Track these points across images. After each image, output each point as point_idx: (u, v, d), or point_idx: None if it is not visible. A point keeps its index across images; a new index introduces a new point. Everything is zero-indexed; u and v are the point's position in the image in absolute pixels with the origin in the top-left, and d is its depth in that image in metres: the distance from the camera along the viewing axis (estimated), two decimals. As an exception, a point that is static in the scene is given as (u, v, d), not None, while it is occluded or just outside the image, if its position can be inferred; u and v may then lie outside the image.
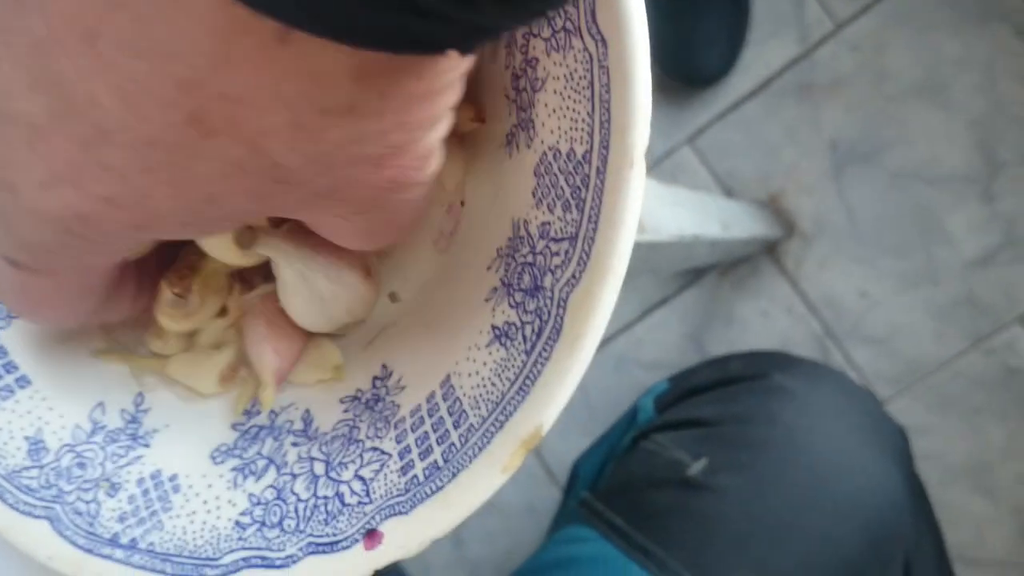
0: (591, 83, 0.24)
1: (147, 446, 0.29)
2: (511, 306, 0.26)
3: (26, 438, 0.29)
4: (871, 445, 0.55)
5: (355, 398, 0.29)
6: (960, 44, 1.00)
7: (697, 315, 1.08)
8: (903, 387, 1.03)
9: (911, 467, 0.58)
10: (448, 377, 0.27)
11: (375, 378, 0.30)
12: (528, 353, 0.24)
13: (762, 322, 1.05)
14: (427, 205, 0.23)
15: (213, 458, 0.29)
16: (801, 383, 0.56)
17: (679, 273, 1.07)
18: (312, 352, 0.31)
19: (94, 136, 0.16)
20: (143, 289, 0.28)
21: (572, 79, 0.24)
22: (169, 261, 0.30)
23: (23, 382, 0.30)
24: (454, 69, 0.18)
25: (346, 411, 0.29)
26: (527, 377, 0.24)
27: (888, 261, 1.02)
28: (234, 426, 0.30)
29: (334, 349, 0.31)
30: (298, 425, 0.29)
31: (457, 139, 0.30)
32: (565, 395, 0.24)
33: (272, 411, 0.30)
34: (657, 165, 1.06)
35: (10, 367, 0.30)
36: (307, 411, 0.30)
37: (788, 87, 1.04)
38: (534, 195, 0.26)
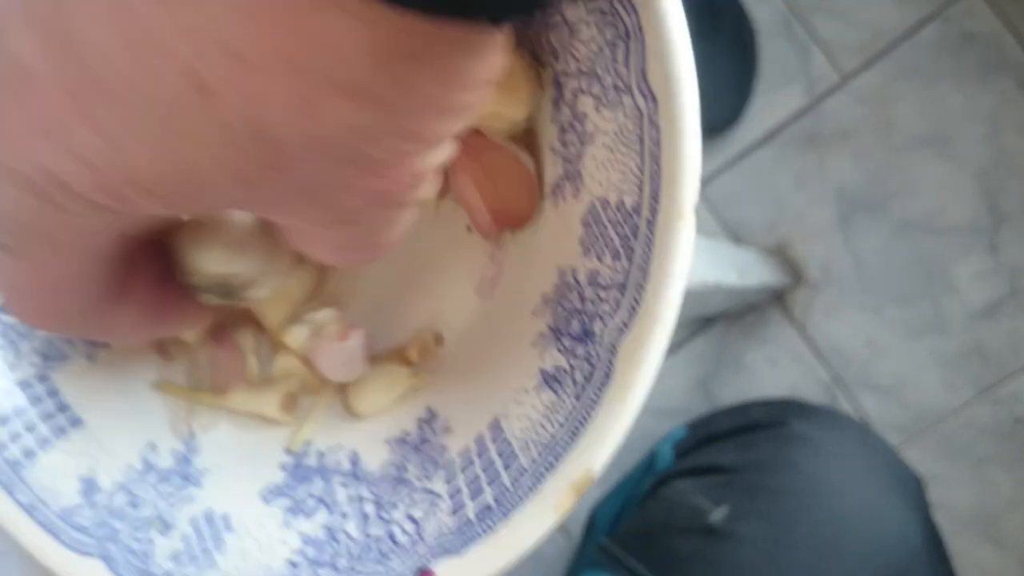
0: (641, 138, 0.25)
1: (198, 486, 0.30)
2: (559, 351, 0.27)
3: (79, 477, 0.29)
4: (889, 492, 0.55)
5: (401, 440, 0.30)
6: (964, 97, 1.02)
7: (706, 363, 1.09)
8: (911, 435, 1.03)
9: (928, 514, 0.59)
10: (496, 419, 0.28)
11: (420, 420, 0.30)
12: (578, 397, 0.25)
13: (770, 370, 1.06)
14: (400, 234, 0.22)
15: (264, 498, 0.30)
16: (820, 431, 0.57)
17: (688, 322, 1.08)
18: (381, 375, 0.32)
19: (88, 86, 0.16)
20: (157, 310, 0.25)
21: (622, 134, 0.25)
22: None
23: (75, 422, 0.30)
24: (474, 89, 0.17)
25: (393, 452, 0.30)
26: (578, 421, 0.25)
27: (894, 310, 1.03)
28: (283, 466, 0.31)
29: (405, 372, 0.32)
30: (346, 466, 0.30)
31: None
32: (616, 440, 0.24)
33: (320, 452, 0.31)
34: (666, 213, 1.07)
35: (63, 407, 0.30)
36: (354, 452, 0.30)
37: (795, 137, 1.06)
38: (582, 244, 0.27)
